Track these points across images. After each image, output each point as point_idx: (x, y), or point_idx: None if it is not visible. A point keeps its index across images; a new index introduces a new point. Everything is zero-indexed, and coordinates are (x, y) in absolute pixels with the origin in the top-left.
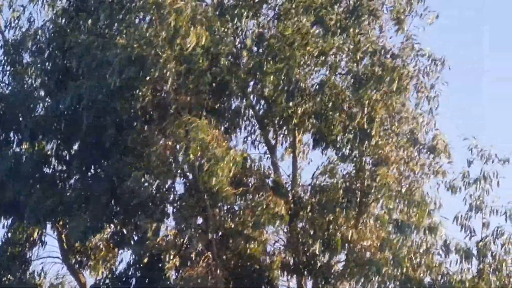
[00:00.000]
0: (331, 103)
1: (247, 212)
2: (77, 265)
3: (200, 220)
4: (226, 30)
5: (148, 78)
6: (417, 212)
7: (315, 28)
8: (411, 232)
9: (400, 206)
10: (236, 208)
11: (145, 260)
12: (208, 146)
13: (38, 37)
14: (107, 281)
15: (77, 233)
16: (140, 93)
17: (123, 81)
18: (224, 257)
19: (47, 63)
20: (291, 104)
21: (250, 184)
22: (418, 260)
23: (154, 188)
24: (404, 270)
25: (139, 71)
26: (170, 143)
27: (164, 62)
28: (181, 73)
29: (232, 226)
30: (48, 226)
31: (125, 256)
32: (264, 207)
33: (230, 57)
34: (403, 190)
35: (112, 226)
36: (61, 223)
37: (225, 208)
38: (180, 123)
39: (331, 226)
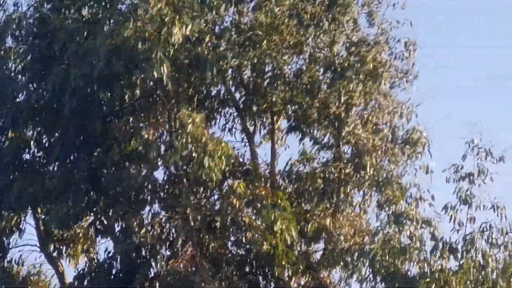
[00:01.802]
0: (307, 91)
1: (235, 201)
2: (55, 254)
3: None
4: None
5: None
6: (414, 205)
7: (290, 19)
8: (405, 224)
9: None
10: (217, 196)
11: (130, 252)
12: (199, 140)
13: (22, 22)
14: (90, 270)
15: (58, 221)
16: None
17: (110, 71)
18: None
19: (30, 49)
20: (269, 91)
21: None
22: (407, 252)
23: (140, 178)
24: (392, 261)
25: (127, 63)
26: (152, 131)
27: (157, 58)
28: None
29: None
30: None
31: (106, 245)
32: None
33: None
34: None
35: (92, 214)
36: (39, 210)
37: (207, 196)
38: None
39: (309, 215)
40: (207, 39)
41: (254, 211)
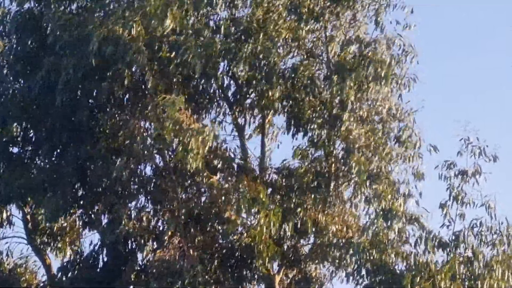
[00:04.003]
0: (302, 87)
1: (220, 194)
2: (42, 246)
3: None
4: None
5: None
6: (402, 201)
7: (288, 14)
8: (394, 219)
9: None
10: (204, 190)
11: (116, 243)
12: (182, 124)
13: (6, 17)
14: (75, 263)
15: (49, 214)
16: (118, 72)
17: (100, 59)
18: (197, 239)
19: (16, 44)
20: (263, 86)
21: (219, 166)
22: (394, 247)
23: (127, 172)
24: (380, 256)
25: (115, 51)
26: (139, 124)
27: (139, 47)
28: (154, 57)
29: (205, 208)
30: (13, 206)
31: (92, 237)
32: (244, 191)
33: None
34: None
35: (79, 207)
36: (27, 203)
37: (195, 190)
38: (156, 104)
39: (299, 209)
40: (205, 33)
41: (228, 204)
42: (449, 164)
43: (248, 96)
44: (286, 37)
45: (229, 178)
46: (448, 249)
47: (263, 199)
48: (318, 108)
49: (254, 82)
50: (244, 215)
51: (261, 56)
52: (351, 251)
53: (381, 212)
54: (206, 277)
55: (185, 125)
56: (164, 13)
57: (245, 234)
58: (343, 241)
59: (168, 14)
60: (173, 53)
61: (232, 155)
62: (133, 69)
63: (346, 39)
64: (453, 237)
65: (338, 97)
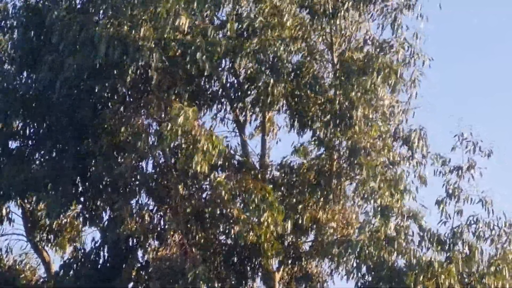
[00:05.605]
0: (307, 85)
1: (225, 192)
2: (42, 243)
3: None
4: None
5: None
6: (399, 197)
7: (301, 12)
8: (391, 216)
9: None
10: (205, 187)
11: (118, 241)
12: (189, 133)
13: (6, 12)
14: (76, 260)
15: (50, 210)
16: (125, 72)
17: (108, 61)
18: (198, 235)
19: (20, 39)
20: (268, 81)
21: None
22: (393, 244)
23: (129, 168)
24: (379, 253)
25: (123, 53)
26: (141, 121)
27: (150, 48)
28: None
29: (207, 205)
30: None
31: (93, 234)
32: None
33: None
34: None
35: (80, 204)
36: (27, 199)
37: (197, 186)
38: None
39: (300, 206)
40: (210, 32)
41: (242, 204)
42: (443, 160)
43: (249, 93)
44: (292, 34)
45: (232, 176)
46: (446, 247)
47: (271, 200)
48: (324, 106)
49: (257, 77)
50: (253, 218)
51: (268, 50)
52: (349, 249)
53: (379, 209)
54: (208, 275)
55: (194, 132)
56: (176, 13)
57: (250, 233)
58: (341, 238)
59: (181, 14)
60: (180, 51)
61: (233, 152)
62: (140, 66)
63: (361, 40)
64: (451, 234)
65: (345, 97)
